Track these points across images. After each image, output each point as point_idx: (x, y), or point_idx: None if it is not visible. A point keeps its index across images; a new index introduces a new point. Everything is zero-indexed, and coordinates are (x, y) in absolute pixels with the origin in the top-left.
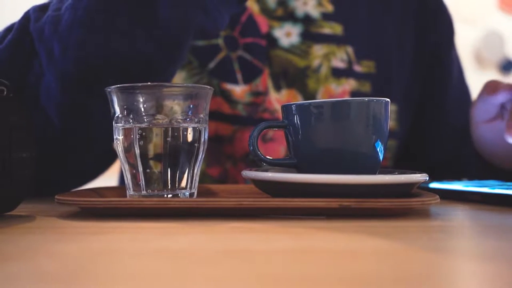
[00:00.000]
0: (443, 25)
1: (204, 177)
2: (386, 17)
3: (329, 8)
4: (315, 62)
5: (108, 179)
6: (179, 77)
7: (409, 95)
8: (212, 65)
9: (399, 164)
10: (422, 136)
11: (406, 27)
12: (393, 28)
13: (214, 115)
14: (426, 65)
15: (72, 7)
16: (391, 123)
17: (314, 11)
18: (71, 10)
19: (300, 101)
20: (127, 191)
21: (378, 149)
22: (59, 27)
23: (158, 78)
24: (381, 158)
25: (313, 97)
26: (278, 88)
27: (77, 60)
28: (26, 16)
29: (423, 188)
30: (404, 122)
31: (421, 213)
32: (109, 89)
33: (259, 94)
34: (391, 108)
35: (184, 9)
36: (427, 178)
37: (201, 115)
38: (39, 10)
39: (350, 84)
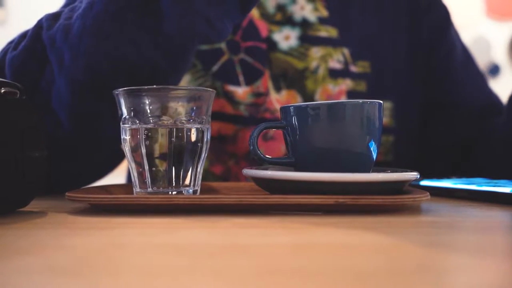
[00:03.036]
0: (438, 12)
1: (207, 175)
2: (379, 18)
3: (324, 13)
4: (313, 64)
5: (116, 177)
6: (183, 80)
7: (406, 91)
8: (215, 68)
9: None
10: (435, 119)
11: (399, 26)
12: (386, 28)
13: (218, 116)
14: (425, 53)
15: (82, 16)
16: (387, 120)
17: (311, 16)
18: (81, 19)
19: (299, 101)
20: (134, 189)
21: (371, 149)
22: (70, 36)
23: (164, 84)
24: (374, 157)
25: (311, 97)
26: (278, 89)
27: (87, 67)
28: (39, 24)
29: (414, 185)
30: (400, 118)
31: (413, 209)
32: (116, 92)
33: (260, 95)
34: (387, 105)
35: (189, 19)
36: (418, 176)
37: (204, 116)
38: (51, 18)
39: (346, 84)
